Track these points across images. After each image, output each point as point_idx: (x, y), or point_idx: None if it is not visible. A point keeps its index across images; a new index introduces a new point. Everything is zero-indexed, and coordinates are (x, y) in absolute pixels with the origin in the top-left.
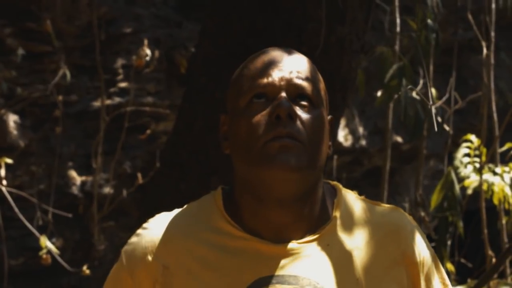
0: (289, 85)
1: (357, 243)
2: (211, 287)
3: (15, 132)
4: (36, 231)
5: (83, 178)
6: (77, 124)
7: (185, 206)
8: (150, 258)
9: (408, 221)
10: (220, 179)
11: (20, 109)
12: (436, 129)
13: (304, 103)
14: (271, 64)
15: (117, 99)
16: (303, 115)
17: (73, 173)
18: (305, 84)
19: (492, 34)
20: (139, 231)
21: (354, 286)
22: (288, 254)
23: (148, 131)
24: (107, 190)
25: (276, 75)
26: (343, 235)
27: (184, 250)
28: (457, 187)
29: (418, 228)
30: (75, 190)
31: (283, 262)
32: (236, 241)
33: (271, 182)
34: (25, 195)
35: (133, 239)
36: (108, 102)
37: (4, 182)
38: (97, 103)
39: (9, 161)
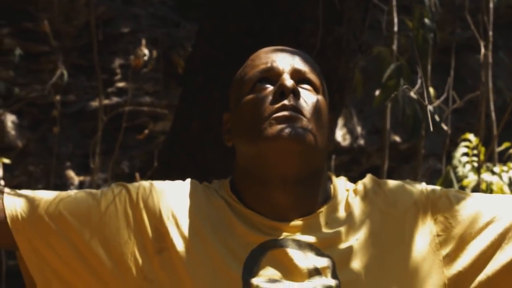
0: (292, 69)
1: (351, 214)
2: (220, 243)
3: (12, 132)
4: None
5: (81, 178)
6: (75, 124)
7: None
8: (170, 195)
9: (387, 180)
10: (217, 179)
11: (17, 109)
12: (433, 128)
13: (307, 86)
14: (273, 54)
15: (115, 99)
16: (307, 95)
17: (71, 173)
18: (307, 69)
19: (490, 33)
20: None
21: (354, 247)
22: (290, 229)
23: (146, 131)
24: None
25: (278, 61)
26: (339, 212)
27: (205, 203)
28: (456, 186)
29: (401, 181)
30: (73, 190)
31: (285, 233)
32: (242, 215)
33: (276, 157)
34: None
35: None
36: (106, 102)
37: (2, 182)
38: (95, 103)
39: (6, 161)
